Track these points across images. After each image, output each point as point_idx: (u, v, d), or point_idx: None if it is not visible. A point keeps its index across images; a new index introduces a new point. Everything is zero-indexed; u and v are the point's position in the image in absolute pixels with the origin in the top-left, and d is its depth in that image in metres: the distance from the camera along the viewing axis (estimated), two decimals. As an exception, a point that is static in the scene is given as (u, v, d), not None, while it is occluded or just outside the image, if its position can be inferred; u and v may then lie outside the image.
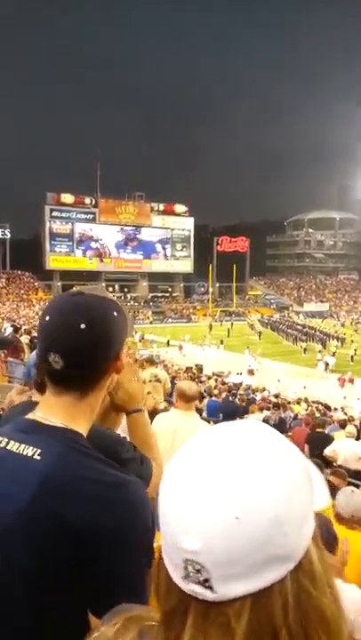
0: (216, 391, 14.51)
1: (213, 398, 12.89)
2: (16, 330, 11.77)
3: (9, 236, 60.02)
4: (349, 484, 5.15)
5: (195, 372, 21.02)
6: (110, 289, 60.62)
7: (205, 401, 12.13)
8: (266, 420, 8.29)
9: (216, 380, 19.00)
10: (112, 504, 0.84)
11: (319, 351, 32.57)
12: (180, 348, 32.18)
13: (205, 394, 14.26)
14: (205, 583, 0.47)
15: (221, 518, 0.46)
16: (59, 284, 59.57)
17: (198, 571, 0.47)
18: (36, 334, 10.67)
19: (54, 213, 58.45)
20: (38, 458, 0.87)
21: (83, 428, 0.95)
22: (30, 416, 0.96)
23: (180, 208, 66.95)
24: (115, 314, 0.95)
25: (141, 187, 77.04)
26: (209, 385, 16.75)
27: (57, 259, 58.96)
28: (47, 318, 0.93)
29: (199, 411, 8.63)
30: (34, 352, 1.61)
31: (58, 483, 0.84)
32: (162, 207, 65.83)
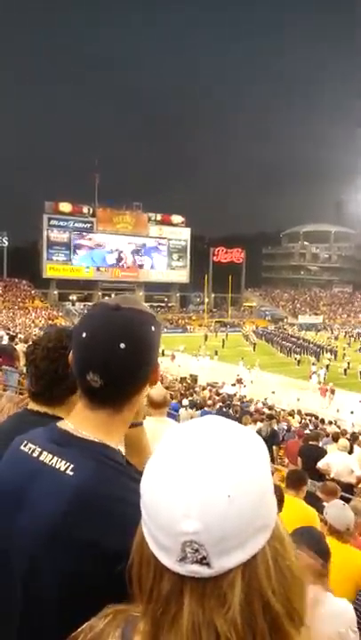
0: (210, 402, 14.51)
1: (207, 409, 12.89)
2: (12, 338, 11.78)
3: (6, 243, 60.09)
4: (341, 497, 5.18)
5: (188, 382, 21.03)
6: (107, 298, 60.26)
7: (199, 412, 12.13)
8: (258, 432, 8.29)
9: (210, 391, 19.00)
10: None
11: (313, 364, 32.63)
12: (173, 357, 32.08)
13: (199, 405, 14.26)
14: (203, 561, 0.51)
15: (216, 498, 0.51)
16: (55, 292, 59.58)
17: (196, 550, 0.51)
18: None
19: (52, 222, 58.61)
20: (71, 473, 0.85)
21: (116, 442, 0.95)
22: (63, 426, 0.95)
23: (177, 218, 67.29)
24: (152, 329, 0.94)
25: (139, 197, 77.26)
26: (203, 395, 16.75)
27: (54, 267, 59.02)
28: (84, 335, 0.91)
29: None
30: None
31: (90, 500, 0.82)
32: (159, 217, 66.16)
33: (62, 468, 0.86)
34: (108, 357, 0.88)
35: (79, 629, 0.65)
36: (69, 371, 1.18)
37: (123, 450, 1.35)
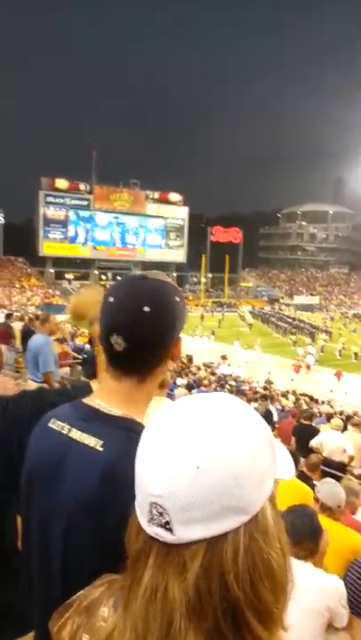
0: (206, 382, 14.60)
1: (203, 388, 12.98)
2: (7, 316, 11.76)
3: (2, 220, 59.49)
4: (332, 476, 5.26)
5: (184, 362, 21.10)
6: (103, 277, 60.36)
7: (195, 391, 12.21)
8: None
9: (206, 371, 19.08)
10: None
11: (308, 344, 32.74)
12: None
13: (195, 384, 14.34)
14: (166, 526, 0.53)
15: (185, 466, 0.52)
16: (51, 270, 59.15)
17: (161, 514, 0.53)
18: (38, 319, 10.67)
19: (48, 199, 57.79)
20: (101, 449, 0.87)
21: (141, 416, 0.96)
22: (89, 402, 0.97)
23: (174, 197, 66.55)
24: (176, 299, 0.96)
25: (137, 175, 76.33)
26: (199, 376, 16.84)
27: (50, 245, 58.41)
28: (111, 300, 0.94)
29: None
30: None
31: (121, 474, 0.80)
32: (157, 195, 65.38)
33: (92, 444, 0.88)
34: (132, 320, 0.90)
35: (74, 596, 0.67)
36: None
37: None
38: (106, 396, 0.97)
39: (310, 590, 2.11)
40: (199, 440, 0.53)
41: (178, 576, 0.52)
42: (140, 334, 0.90)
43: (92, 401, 0.97)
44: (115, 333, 0.91)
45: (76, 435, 0.91)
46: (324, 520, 3.01)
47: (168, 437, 0.55)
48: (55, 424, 0.97)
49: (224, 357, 25.92)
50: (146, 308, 0.90)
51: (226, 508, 0.52)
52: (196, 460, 0.52)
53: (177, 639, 0.51)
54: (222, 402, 0.59)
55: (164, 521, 0.53)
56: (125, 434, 0.88)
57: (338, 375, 24.37)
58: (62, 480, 0.89)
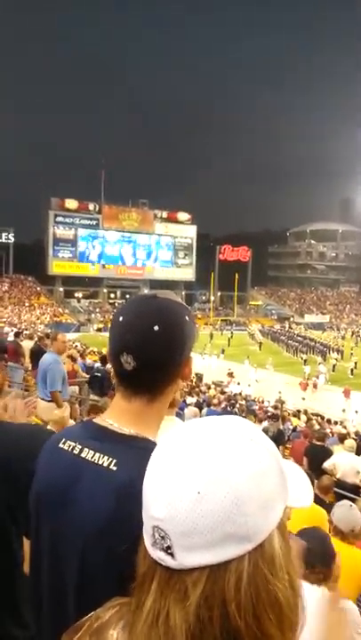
0: (215, 401, 14.50)
1: (212, 408, 12.87)
2: (17, 334, 11.80)
3: (12, 240, 60.20)
4: (346, 498, 5.15)
5: (194, 381, 21.00)
6: (112, 295, 60.72)
7: (204, 410, 12.12)
8: (264, 432, 8.26)
9: (215, 390, 18.96)
10: None
11: (319, 363, 32.49)
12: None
13: (204, 403, 14.24)
14: (168, 550, 0.52)
15: (185, 491, 0.51)
16: (61, 289, 59.72)
17: (163, 537, 0.52)
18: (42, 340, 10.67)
19: (58, 219, 58.76)
20: (114, 468, 0.86)
21: (153, 435, 0.95)
22: (100, 422, 0.96)
23: (183, 216, 67.25)
24: (186, 318, 0.95)
25: (145, 195, 77.21)
26: (209, 395, 16.73)
27: (60, 264, 59.17)
28: (120, 319, 0.94)
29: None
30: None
31: (137, 494, 0.79)
32: (165, 214, 66.18)
33: (105, 464, 0.87)
34: (142, 339, 0.90)
35: (85, 618, 0.66)
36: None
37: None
38: (117, 415, 0.95)
39: (324, 614, 2.03)
40: (201, 464, 0.52)
41: (179, 602, 0.51)
42: (150, 353, 0.90)
43: (103, 420, 0.96)
44: (125, 352, 0.90)
45: (88, 454, 0.90)
46: (337, 544, 2.93)
47: (172, 461, 0.55)
48: (66, 444, 0.95)
49: (231, 375, 25.82)
50: (156, 328, 0.90)
51: (228, 535, 0.51)
52: (197, 485, 0.51)
53: None
54: (228, 425, 0.58)
55: (165, 545, 0.52)
56: (137, 452, 0.86)
57: (346, 393, 24.12)
58: (76, 501, 0.87)
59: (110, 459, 0.87)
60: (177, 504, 0.51)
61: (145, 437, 0.93)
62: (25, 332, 17.11)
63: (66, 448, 0.94)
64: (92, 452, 0.90)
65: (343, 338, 48.40)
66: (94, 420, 0.98)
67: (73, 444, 0.93)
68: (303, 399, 23.25)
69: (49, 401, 5.65)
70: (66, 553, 0.87)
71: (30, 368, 9.05)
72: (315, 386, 25.93)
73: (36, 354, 8.53)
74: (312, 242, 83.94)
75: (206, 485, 0.51)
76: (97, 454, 0.89)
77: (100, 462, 0.88)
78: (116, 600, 0.66)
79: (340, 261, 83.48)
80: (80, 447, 0.92)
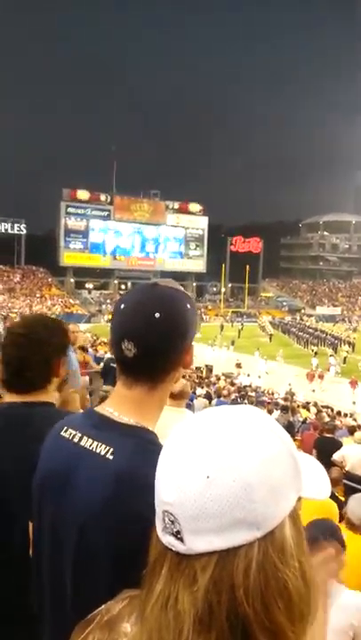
0: (225, 392, 14.51)
1: (222, 399, 12.90)
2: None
3: (24, 231, 60.39)
4: (356, 490, 5.14)
5: (203, 372, 21.04)
6: (123, 286, 60.76)
7: (214, 401, 12.14)
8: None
9: (225, 381, 18.98)
10: None
11: (330, 355, 32.31)
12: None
13: (214, 394, 14.27)
14: (177, 535, 0.52)
15: (195, 475, 0.52)
16: (72, 280, 59.87)
17: (172, 522, 0.53)
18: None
19: (69, 209, 58.72)
20: (111, 457, 0.87)
21: (153, 424, 0.97)
22: (101, 410, 0.97)
23: (194, 207, 66.87)
24: (188, 306, 0.96)
25: (157, 185, 76.99)
26: (218, 386, 16.76)
27: (71, 255, 59.25)
28: (122, 306, 0.95)
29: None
30: None
31: (131, 482, 0.83)
32: (177, 206, 65.83)
33: (102, 452, 0.89)
34: (143, 326, 0.91)
35: (96, 611, 0.67)
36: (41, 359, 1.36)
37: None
38: (117, 403, 0.97)
39: (333, 608, 2.03)
40: (211, 449, 0.53)
41: (188, 587, 0.52)
42: (151, 340, 0.91)
43: (103, 409, 0.97)
44: (126, 339, 0.92)
45: (87, 443, 0.92)
46: (349, 535, 2.93)
47: (182, 446, 0.55)
48: (67, 432, 0.98)
49: (239, 365, 25.79)
50: (157, 315, 0.91)
51: (238, 520, 0.51)
52: (206, 470, 0.52)
53: None
54: (240, 413, 0.58)
55: (175, 530, 0.53)
56: (135, 441, 0.89)
57: (353, 384, 24.09)
58: (74, 487, 0.89)
59: (108, 447, 0.89)
60: (186, 488, 0.52)
61: (143, 427, 0.94)
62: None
63: (67, 436, 0.97)
64: (90, 441, 0.92)
65: (355, 330, 48.03)
66: (96, 409, 0.99)
67: (74, 432, 0.96)
68: (313, 391, 23.19)
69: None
70: (64, 536, 0.89)
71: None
72: (320, 377, 26.04)
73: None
74: (325, 233, 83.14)
75: (216, 470, 0.51)
76: (95, 442, 0.91)
77: (98, 451, 0.89)
78: (127, 592, 0.67)
79: (353, 253, 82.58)
80: (80, 435, 0.94)
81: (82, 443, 0.93)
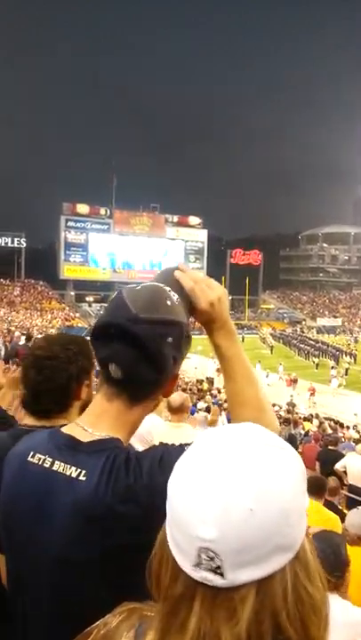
0: (226, 405, 14.40)
1: (223, 412, 12.80)
2: (29, 338, 11.84)
3: (24, 244, 60.60)
4: (357, 502, 5.08)
5: (204, 384, 20.94)
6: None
7: (223, 414, 12.04)
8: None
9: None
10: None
11: (332, 367, 32.23)
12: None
13: (218, 406, 14.16)
14: (217, 570, 0.50)
15: (238, 509, 0.50)
16: (72, 293, 59.94)
17: (212, 558, 0.50)
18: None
19: (69, 223, 58.99)
20: (83, 479, 0.86)
21: (126, 438, 0.96)
22: (68, 431, 0.96)
23: (194, 220, 67.23)
24: (169, 340, 0.93)
25: (156, 199, 77.44)
26: (220, 398, 16.66)
27: (71, 268, 59.41)
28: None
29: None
30: None
31: (105, 503, 0.83)
32: (176, 219, 66.17)
33: (74, 475, 0.87)
34: (126, 358, 0.91)
35: (93, 625, 0.65)
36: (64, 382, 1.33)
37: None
38: (94, 417, 0.96)
39: (337, 625, 1.99)
40: (250, 479, 0.51)
41: (228, 621, 0.50)
42: (137, 373, 0.92)
43: (74, 427, 0.96)
44: (113, 363, 0.92)
45: (60, 467, 0.90)
46: (351, 549, 2.88)
47: (214, 477, 0.52)
48: (35, 457, 0.94)
49: (219, 370, 25.73)
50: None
51: (276, 547, 0.51)
52: (248, 502, 0.50)
53: None
54: (255, 436, 0.57)
55: (214, 566, 0.50)
56: (106, 457, 0.88)
57: (311, 390, 25.01)
58: (47, 514, 0.88)
59: (79, 469, 0.87)
60: (229, 524, 0.50)
61: (115, 438, 0.93)
62: (38, 336, 17.19)
63: (35, 461, 0.93)
64: (62, 465, 0.90)
65: (356, 341, 47.97)
66: (62, 430, 0.96)
67: (42, 456, 0.93)
68: (314, 403, 23.08)
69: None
70: (39, 566, 0.88)
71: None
72: (294, 381, 27.48)
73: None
74: (324, 245, 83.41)
75: (257, 501, 0.50)
76: (66, 465, 0.89)
77: (69, 473, 0.88)
78: (125, 605, 0.65)
79: (352, 264, 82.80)
80: (50, 460, 0.92)
81: (54, 467, 0.90)
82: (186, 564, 0.53)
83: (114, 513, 0.83)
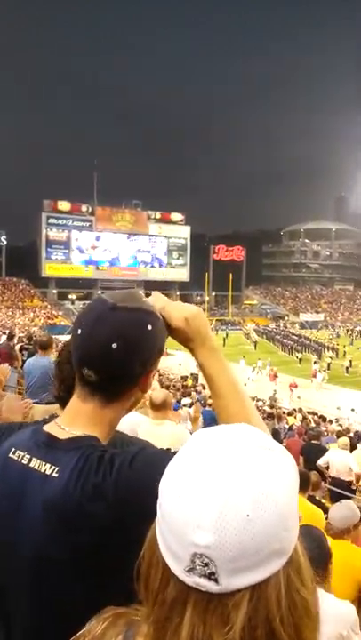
0: (210, 400, 14.43)
1: (208, 408, 12.83)
2: (10, 337, 11.71)
3: (5, 242, 59.96)
4: (341, 495, 5.14)
5: (189, 380, 20.96)
6: (107, 293, 60.48)
7: (200, 410, 12.06)
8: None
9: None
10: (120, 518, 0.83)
11: (315, 362, 32.53)
12: (166, 354, 32.09)
13: (200, 404, 14.19)
14: (211, 576, 0.49)
15: (234, 516, 0.48)
16: (54, 291, 59.46)
17: (206, 564, 0.49)
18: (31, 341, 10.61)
19: (51, 220, 58.45)
20: (56, 475, 0.87)
21: (103, 436, 0.96)
22: (49, 427, 0.96)
23: (176, 216, 67.20)
24: (149, 328, 0.94)
25: (138, 196, 77.20)
26: (204, 395, 16.69)
27: (53, 266, 58.92)
28: (79, 332, 0.93)
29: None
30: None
31: (74, 501, 0.83)
32: (158, 215, 66.08)
33: (48, 472, 0.88)
34: (100, 356, 0.90)
35: (77, 634, 0.64)
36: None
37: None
38: (70, 417, 0.96)
39: (323, 619, 2.01)
40: (246, 486, 0.50)
41: (222, 627, 0.49)
42: (110, 369, 0.91)
43: (53, 425, 0.96)
44: (86, 367, 0.91)
45: (36, 464, 0.91)
46: (334, 542, 2.91)
47: (210, 481, 0.51)
48: (16, 454, 0.95)
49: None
50: (114, 345, 0.89)
51: (272, 552, 0.50)
52: (246, 508, 0.49)
53: None
54: (248, 438, 0.56)
55: (209, 571, 0.49)
56: (80, 454, 0.88)
57: (292, 387, 25.15)
58: (23, 510, 0.89)
59: (53, 466, 0.88)
60: (225, 531, 0.48)
61: (91, 436, 0.93)
62: (19, 335, 17.01)
63: (15, 458, 0.94)
64: (38, 461, 0.90)
65: (338, 336, 48.50)
66: (44, 427, 0.97)
67: (22, 453, 0.94)
68: (298, 397, 23.28)
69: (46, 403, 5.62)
70: (19, 564, 0.88)
71: (21, 370, 8.99)
72: (275, 376, 27.93)
73: (29, 356, 8.47)
74: (306, 241, 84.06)
75: (254, 507, 0.49)
76: (42, 462, 0.90)
77: (43, 470, 0.89)
78: (110, 610, 0.64)
79: (334, 260, 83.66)
80: (29, 457, 0.93)
81: (31, 464, 0.91)
82: (178, 569, 0.51)
83: (83, 511, 0.83)
